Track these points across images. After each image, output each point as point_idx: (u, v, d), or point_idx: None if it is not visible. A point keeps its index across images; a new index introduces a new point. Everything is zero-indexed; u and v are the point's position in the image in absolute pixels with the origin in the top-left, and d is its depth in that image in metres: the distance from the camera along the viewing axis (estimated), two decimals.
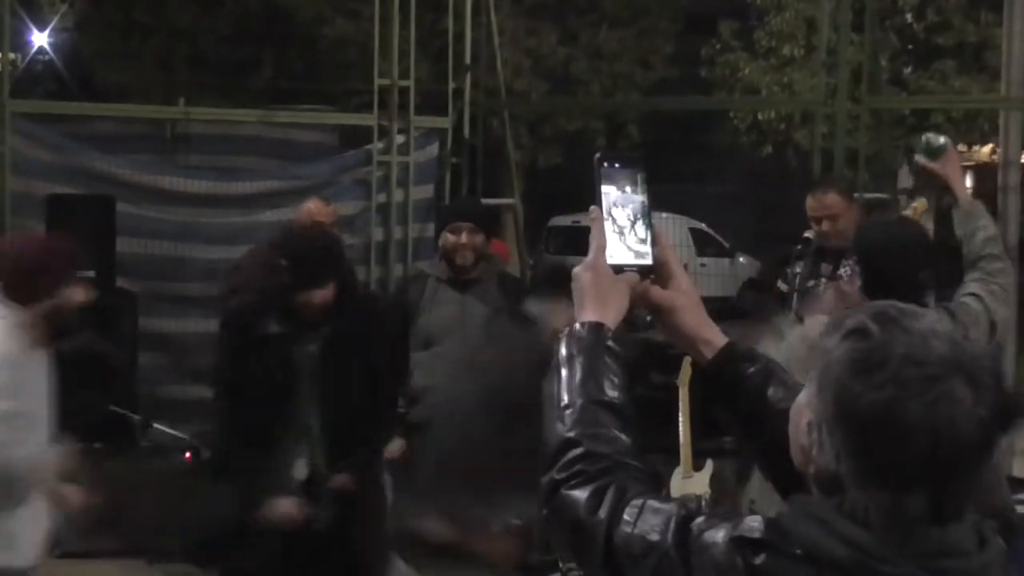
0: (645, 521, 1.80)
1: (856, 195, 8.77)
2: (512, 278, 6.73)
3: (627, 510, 1.82)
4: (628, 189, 2.04)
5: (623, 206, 2.03)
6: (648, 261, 2.05)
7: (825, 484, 1.73)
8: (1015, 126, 13.78)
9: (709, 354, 2.09)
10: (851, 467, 1.69)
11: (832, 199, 5.82)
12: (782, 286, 5.97)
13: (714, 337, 2.10)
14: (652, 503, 1.83)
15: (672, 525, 1.79)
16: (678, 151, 21.13)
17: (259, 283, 5.28)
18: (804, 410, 1.77)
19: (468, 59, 10.20)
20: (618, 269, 2.02)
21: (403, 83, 9.55)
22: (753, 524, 1.74)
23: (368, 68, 10.31)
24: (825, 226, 5.75)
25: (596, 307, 2.01)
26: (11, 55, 10.82)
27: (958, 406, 1.64)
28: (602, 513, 1.83)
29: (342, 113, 13.10)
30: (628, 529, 1.81)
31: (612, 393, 1.95)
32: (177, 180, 9.03)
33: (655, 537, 1.78)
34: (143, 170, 8.98)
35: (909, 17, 20.28)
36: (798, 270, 5.74)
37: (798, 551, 1.69)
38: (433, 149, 9.86)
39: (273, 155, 9.88)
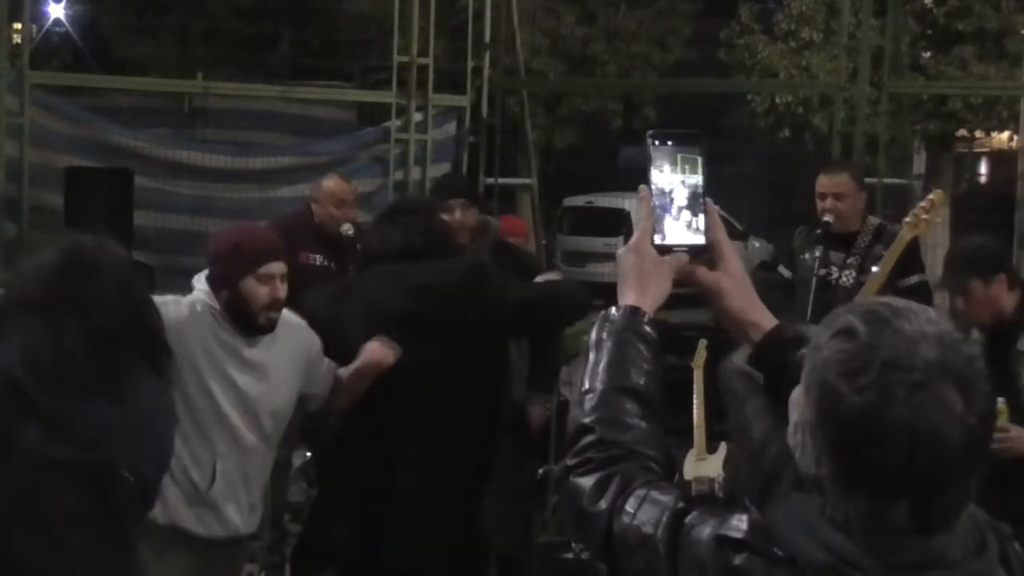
0: (644, 512, 1.79)
1: (875, 180, 8.76)
2: (505, 245, 6.47)
3: (630, 500, 1.81)
4: (680, 168, 2.01)
5: (674, 185, 2.00)
6: (700, 241, 2.02)
7: (808, 486, 1.69)
8: None
9: (756, 337, 2.06)
10: (831, 471, 1.64)
11: (843, 179, 5.82)
12: (784, 272, 5.95)
13: (762, 320, 2.07)
14: (654, 494, 1.81)
15: (666, 519, 1.77)
16: None
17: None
18: (793, 409, 1.74)
19: (487, 38, 10.18)
20: (666, 249, 1.99)
21: (422, 61, 9.54)
22: (738, 523, 1.71)
23: (386, 45, 10.29)
24: (828, 203, 5.75)
25: (635, 291, 2.00)
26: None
27: (943, 413, 1.58)
28: (604, 503, 1.83)
29: (360, 90, 13.09)
30: (627, 520, 1.80)
31: (638, 380, 1.93)
32: (194, 154, 9.04)
33: (649, 530, 1.77)
34: (161, 144, 8.98)
35: (929, 2, 20.18)
36: (817, 254, 5.72)
37: (779, 553, 1.66)
38: (451, 127, 9.85)
39: (291, 131, 9.88)
